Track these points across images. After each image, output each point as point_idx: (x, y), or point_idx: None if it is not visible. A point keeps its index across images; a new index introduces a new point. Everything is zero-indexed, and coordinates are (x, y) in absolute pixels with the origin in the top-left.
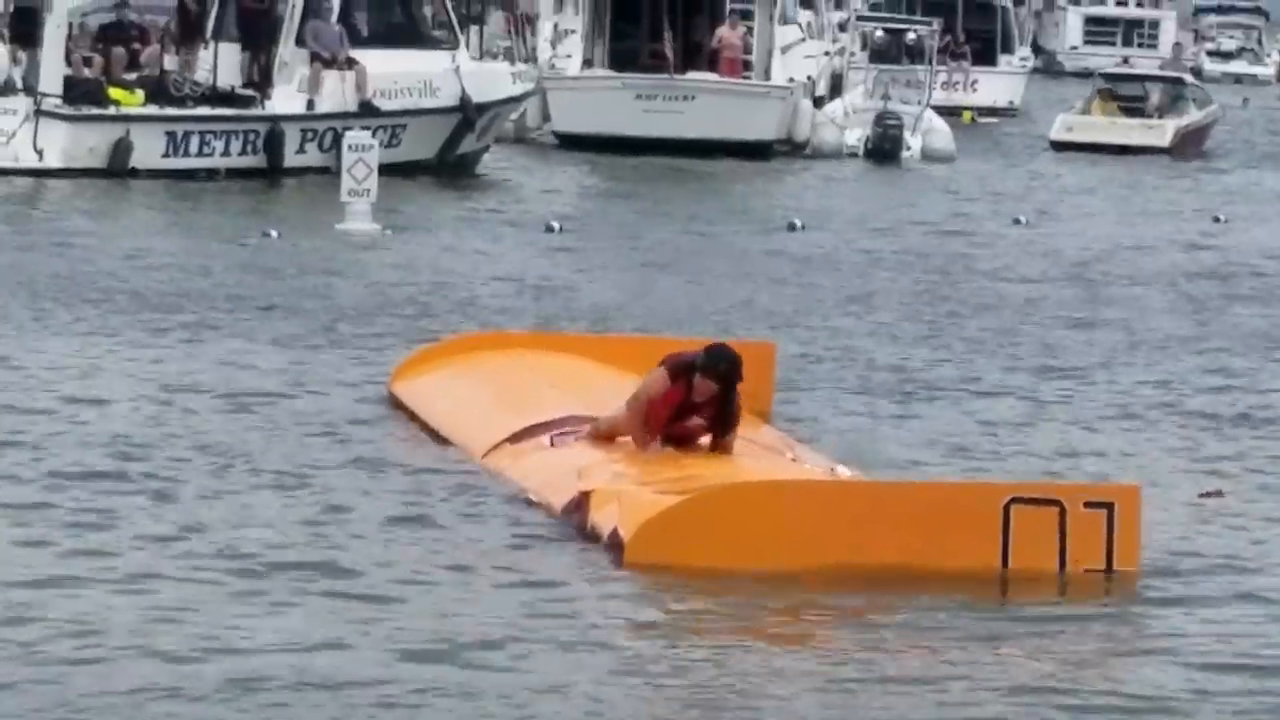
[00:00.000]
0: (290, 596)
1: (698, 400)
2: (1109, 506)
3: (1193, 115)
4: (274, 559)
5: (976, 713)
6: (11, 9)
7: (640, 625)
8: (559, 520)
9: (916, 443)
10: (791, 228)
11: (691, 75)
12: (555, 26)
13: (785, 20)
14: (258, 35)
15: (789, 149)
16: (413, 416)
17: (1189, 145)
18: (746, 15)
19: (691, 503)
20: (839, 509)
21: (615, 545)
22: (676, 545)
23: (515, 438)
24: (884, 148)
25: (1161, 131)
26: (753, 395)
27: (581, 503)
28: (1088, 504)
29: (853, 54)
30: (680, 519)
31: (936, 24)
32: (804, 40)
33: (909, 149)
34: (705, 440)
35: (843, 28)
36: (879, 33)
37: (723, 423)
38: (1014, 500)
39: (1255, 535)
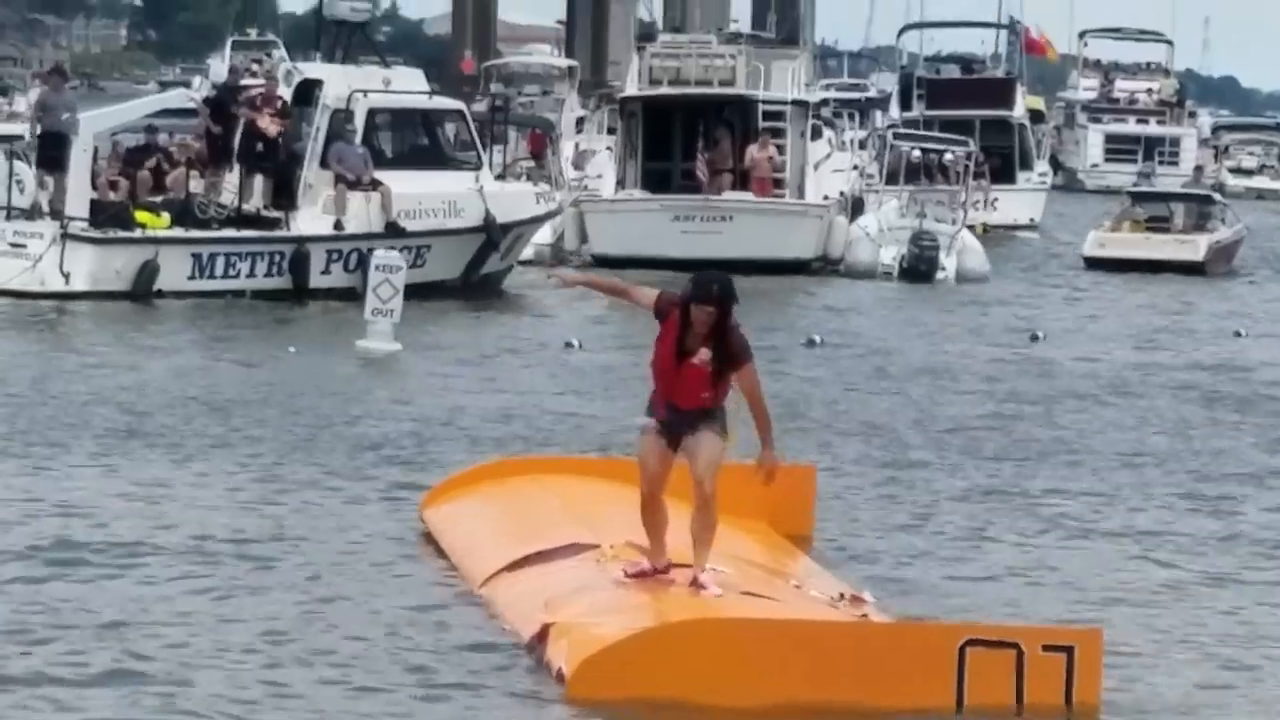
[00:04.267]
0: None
1: (700, 330)
2: (1069, 650)
3: (1222, 231)
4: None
5: None
6: (39, 133)
7: None
8: (526, 653)
9: (939, 572)
10: (811, 344)
11: (728, 195)
12: (577, 147)
13: (815, 136)
14: (278, 157)
15: (823, 266)
16: (437, 543)
17: (1220, 261)
18: (775, 133)
19: (637, 639)
20: (789, 648)
21: (561, 680)
22: (620, 681)
23: (513, 566)
24: (919, 268)
25: (1195, 247)
26: (793, 519)
27: (542, 636)
28: (1047, 647)
29: (870, 175)
30: (625, 655)
31: (974, 145)
32: (830, 155)
33: (944, 269)
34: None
35: (862, 145)
36: (915, 152)
37: (721, 353)
38: (970, 642)
39: (1221, 678)
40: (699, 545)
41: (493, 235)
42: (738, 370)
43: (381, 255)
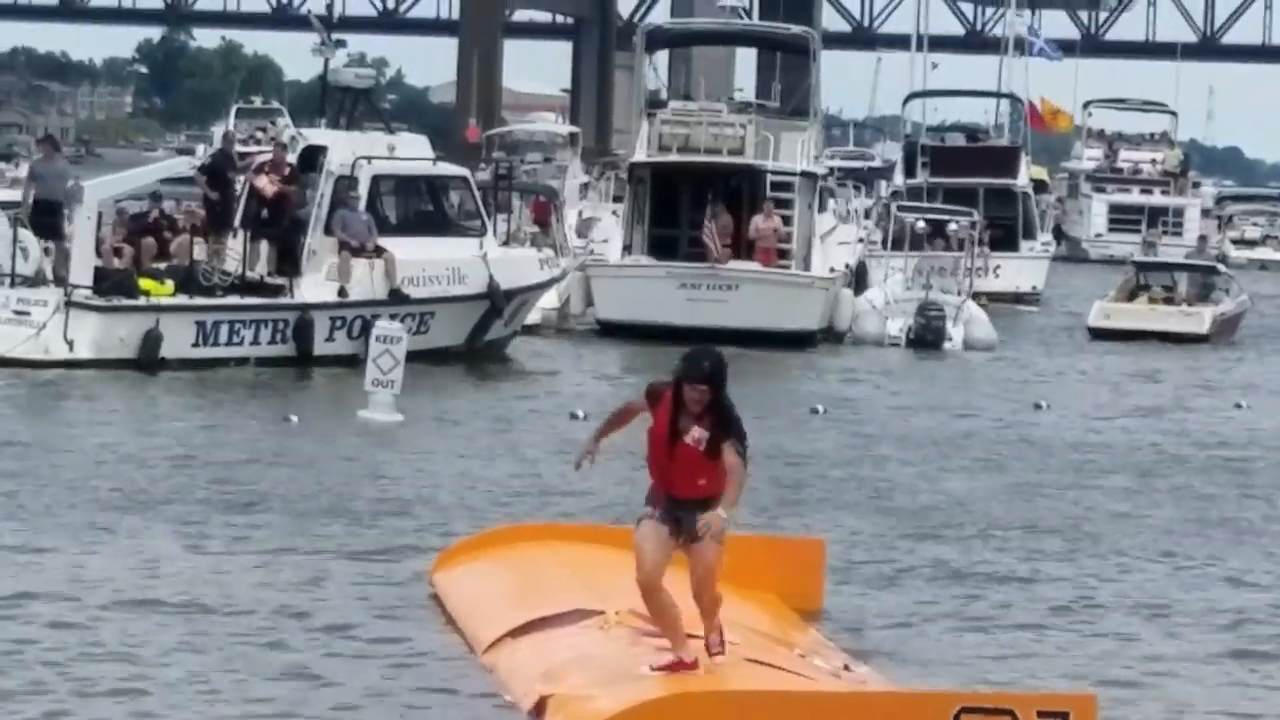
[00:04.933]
0: None
1: (693, 410)
2: (1064, 716)
3: (1226, 303)
4: None
5: None
6: (31, 201)
7: None
8: None
9: (947, 644)
10: (814, 412)
11: (734, 265)
12: (580, 214)
13: (821, 208)
14: (282, 223)
15: (828, 337)
16: (444, 610)
17: (1225, 333)
18: (780, 204)
19: (631, 713)
20: (785, 718)
21: None
22: None
23: (516, 632)
24: (926, 338)
25: (1200, 319)
26: (803, 593)
27: (540, 708)
28: (1042, 714)
29: (873, 242)
30: None
31: (978, 215)
32: (836, 227)
33: (950, 339)
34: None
35: (867, 214)
36: (920, 223)
37: (720, 427)
38: (964, 710)
39: None
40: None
41: (497, 302)
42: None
43: (383, 326)
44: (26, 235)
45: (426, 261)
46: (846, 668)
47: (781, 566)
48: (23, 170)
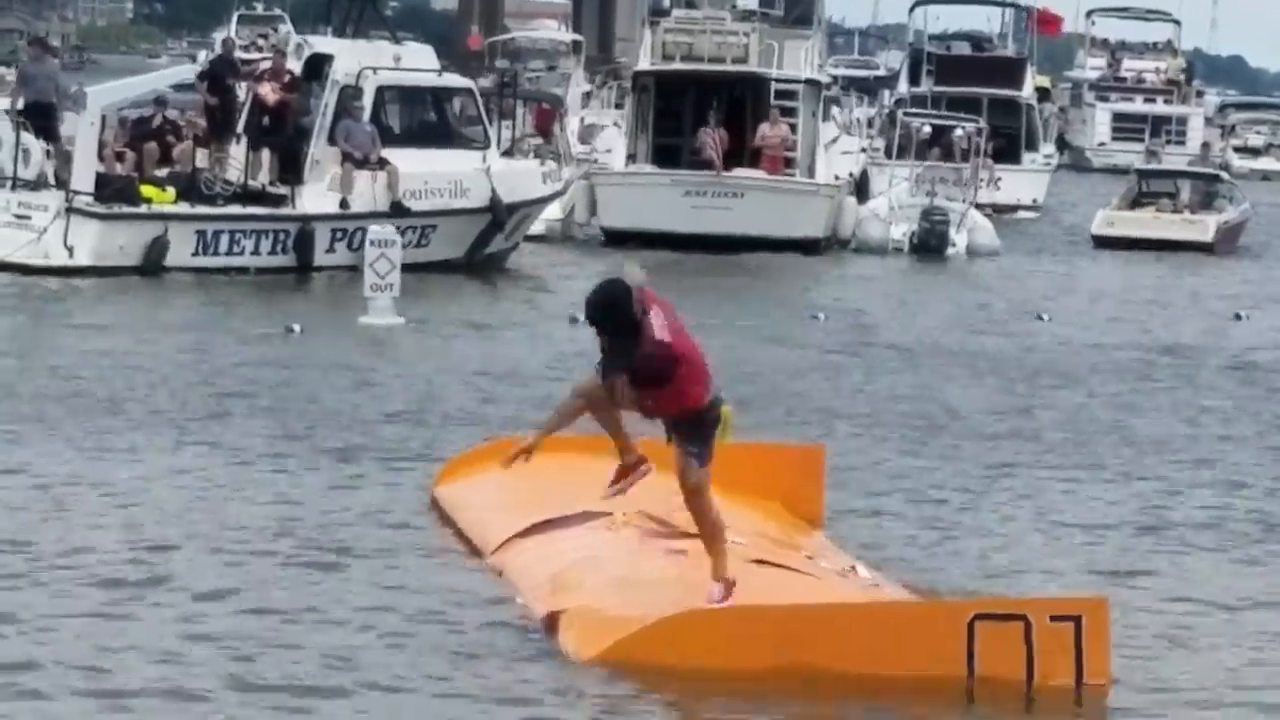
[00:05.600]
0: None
1: (605, 349)
2: (1076, 620)
3: (1230, 211)
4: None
5: None
6: (21, 105)
7: None
8: (540, 630)
9: (944, 549)
10: (815, 319)
11: (739, 173)
12: (583, 122)
13: (824, 117)
14: (285, 131)
15: (832, 244)
16: (447, 521)
17: (1228, 241)
18: (785, 112)
19: (647, 630)
20: (799, 632)
21: (574, 661)
22: (632, 670)
23: (524, 534)
24: (930, 243)
25: (1204, 227)
26: (803, 498)
27: (552, 621)
28: (1054, 618)
29: (876, 150)
30: (636, 646)
31: (984, 123)
32: (839, 136)
33: (954, 245)
34: None
35: (870, 123)
36: (925, 128)
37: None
38: (978, 616)
39: (1228, 653)
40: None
41: (499, 216)
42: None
43: (376, 231)
44: (29, 138)
45: (429, 174)
46: (853, 568)
47: (781, 473)
48: None
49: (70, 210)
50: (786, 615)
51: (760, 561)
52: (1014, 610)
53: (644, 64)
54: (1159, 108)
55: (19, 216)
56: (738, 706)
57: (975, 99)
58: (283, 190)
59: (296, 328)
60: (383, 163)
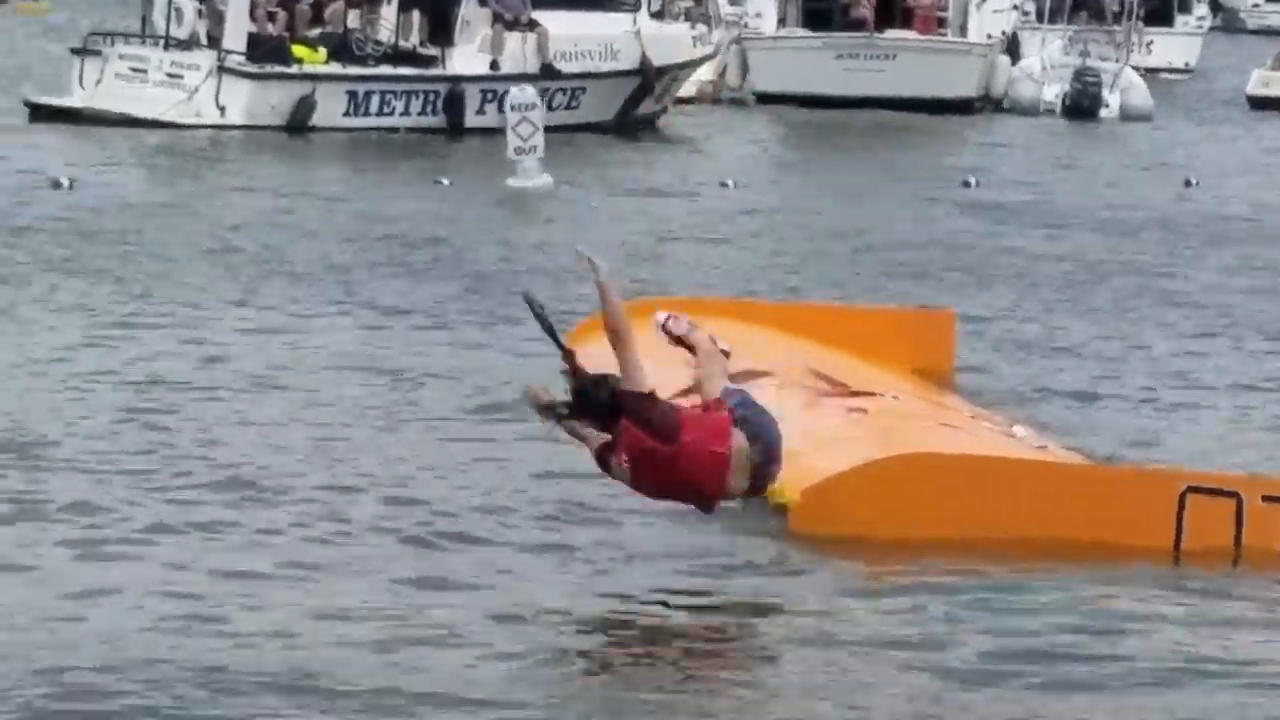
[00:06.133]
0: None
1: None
2: None
3: None
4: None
5: (1152, 698)
6: None
7: (804, 592)
8: None
9: (1086, 414)
10: (966, 185)
11: (891, 34)
12: None
13: None
14: None
15: (985, 104)
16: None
17: None
18: None
19: (859, 473)
20: (1010, 486)
21: (779, 512)
22: (842, 516)
23: (685, 393)
24: (1082, 104)
25: None
26: (933, 362)
27: None
28: (1267, 498)
29: (1026, 13)
30: (847, 489)
31: None
32: None
33: (1107, 106)
34: None
35: None
36: None
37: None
38: (1190, 489)
39: None
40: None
41: (648, 78)
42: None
43: (516, 94)
44: None
45: (579, 36)
46: (1013, 432)
47: (913, 338)
48: None
49: (222, 70)
50: (998, 468)
51: (942, 424)
52: (1227, 486)
53: None
54: None
55: (171, 76)
56: (933, 561)
57: None
58: (433, 51)
59: (445, 181)
60: (533, 24)
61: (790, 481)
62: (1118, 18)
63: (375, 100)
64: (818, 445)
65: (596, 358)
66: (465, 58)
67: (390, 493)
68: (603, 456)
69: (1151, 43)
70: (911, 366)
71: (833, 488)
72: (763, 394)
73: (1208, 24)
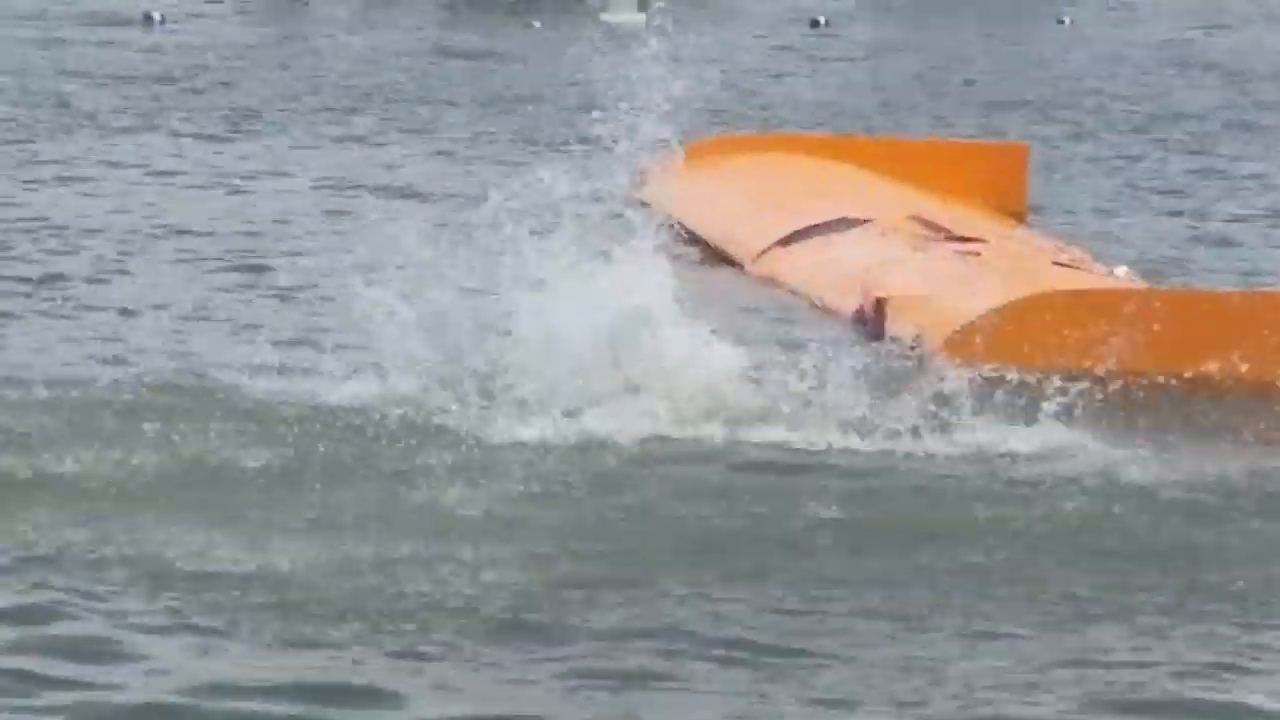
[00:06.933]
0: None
1: None
2: None
3: None
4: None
5: None
6: None
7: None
8: (845, 325)
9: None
10: (1060, 23)
11: None
12: None
13: None
14: None
15: None
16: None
17: None
18: None
19: (1009, 309)
20: (1158, 318)
21: (918, 351)
22: (988, 351)
23: (784, 241)
24: None
25: None
26: (1006, 196)
27: (878, 309)
28: None
29: None
30: (992, 325)
31: None
32: None
33: None
34: None
35: None
36: None
37: None
38: None
39: None
40: None
41: None
42: None
43: None
44: None
45: None
46: (1115, 273)
47: (986, 171)
48: None
49: None
50: (1147, 298)
51: (1058, 264)
52: None
53: None
54: None
55: None
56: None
57: None
58: None
59: (536, 24)
60: None
61: (932, 324)
62: None
63: None
64: (942, 283)
65: (687, 190)
66: None
67: None
68: None
69: None
70: (983, 200)
71: (976, 328)
72: (869, 242)
73: None
